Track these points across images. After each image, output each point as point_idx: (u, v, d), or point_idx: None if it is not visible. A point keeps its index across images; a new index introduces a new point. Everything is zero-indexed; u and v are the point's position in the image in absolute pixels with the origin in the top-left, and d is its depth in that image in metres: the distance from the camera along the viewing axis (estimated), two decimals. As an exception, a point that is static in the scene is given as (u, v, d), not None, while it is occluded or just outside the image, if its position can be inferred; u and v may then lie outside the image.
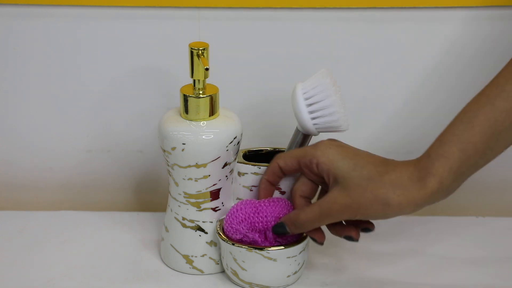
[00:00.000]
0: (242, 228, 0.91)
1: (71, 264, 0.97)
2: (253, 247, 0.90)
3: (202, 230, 0.95)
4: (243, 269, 0.92)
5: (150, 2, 1.01)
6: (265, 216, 0.91)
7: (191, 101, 0.91)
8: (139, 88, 1.06)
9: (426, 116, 1.07)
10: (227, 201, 0.95)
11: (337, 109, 0.90)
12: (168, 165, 0.94)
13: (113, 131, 1.08)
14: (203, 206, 0.94)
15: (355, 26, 1.03)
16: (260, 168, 0.96)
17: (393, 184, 0.84)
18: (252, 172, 0.96)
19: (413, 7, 1.02)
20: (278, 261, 0.91)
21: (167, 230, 0.97)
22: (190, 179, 0.92)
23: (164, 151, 0.93)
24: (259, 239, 0.91)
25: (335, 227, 0.90)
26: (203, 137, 0.91)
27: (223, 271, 0.96)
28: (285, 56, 1.04)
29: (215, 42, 0.97)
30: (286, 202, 0.93)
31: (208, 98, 0.91)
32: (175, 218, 0.95)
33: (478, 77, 1.03)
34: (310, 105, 0.91)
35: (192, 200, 0.94)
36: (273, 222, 0.91)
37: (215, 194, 0.94)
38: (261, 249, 0.90)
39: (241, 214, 0.91)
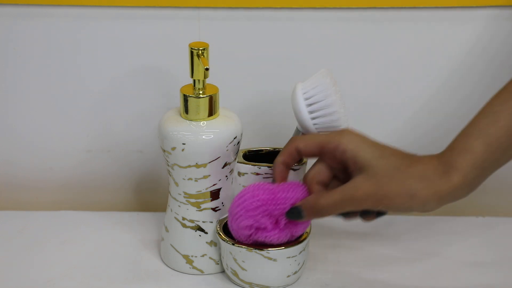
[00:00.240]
0: (257, 214, 0.89)
1: (71, 264, 0.97)
2: (253, 247, 0.90)
3: (202, 230, 0.95)
4: (243, 269, 0.92)
5: (150, 2, 1.01)
6: (283, 203, 0.88)
7: (191, 101, 0.91)
8: (139, 88, 1.06)
9: (426, 116, 1.07)
10: (227, 201, 0.95)
11: (337, 109, 0.90)
12: (168, 165, 0.94)
13: (113, 131, 1.08)
14: (203, 206, 0.94)
15: (355, 26, 1.03)
16: (260, 168, 0.96)
17: (420, 176, 0.82)
18: (252, 172, 0.96)
19: (413, 7, 1.02)
20: (278, 261, 0.91)
21: (167, 230, 0.97)
22: (190, 179, 0.92)
23: (164, 151, 0.93)
24: (270, 225, 0.89)
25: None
26: (203, 137, 0.91)
27: (223, 271, 0.96)
28: (285, 56, 1.04)
29: (215, 42, 0.97)
30: (303, 188, 0.89)
31: (208, 98, 0.91)
32: (175, 218, 0.95)
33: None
34: (310, 105, 0.91)
35: (192, 200, 0.94)
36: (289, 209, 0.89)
37: (215, 194, 0.94)
38: (261, 249, 0.90)
39: (257, 201, 0.88)
